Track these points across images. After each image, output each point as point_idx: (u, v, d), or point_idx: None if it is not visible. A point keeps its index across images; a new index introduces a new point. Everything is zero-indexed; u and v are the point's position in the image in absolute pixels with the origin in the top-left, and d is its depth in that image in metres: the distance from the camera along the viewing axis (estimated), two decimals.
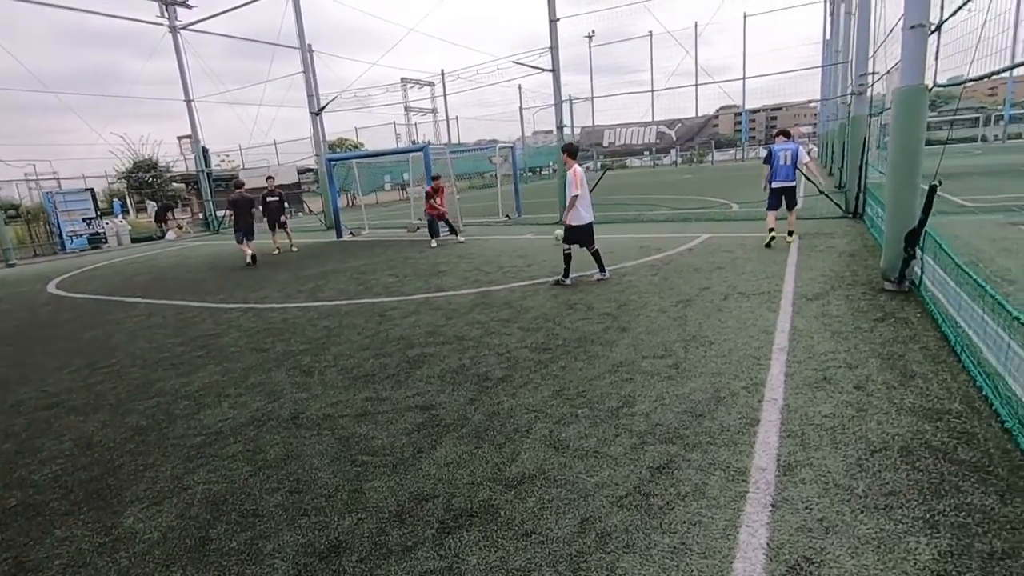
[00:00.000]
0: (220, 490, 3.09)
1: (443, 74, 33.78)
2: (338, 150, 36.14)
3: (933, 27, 5.10)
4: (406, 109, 43.54)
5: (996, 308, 3.62)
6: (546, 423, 3.54)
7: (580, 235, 7.25)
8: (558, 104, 13.55)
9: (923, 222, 4.92)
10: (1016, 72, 5.61)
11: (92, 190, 19.64)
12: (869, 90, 10.59)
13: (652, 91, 37.19)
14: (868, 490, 2.59)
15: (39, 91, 17.77)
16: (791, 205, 8.73)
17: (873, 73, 10.26)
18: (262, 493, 3.02)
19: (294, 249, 13.51)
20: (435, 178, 12.72)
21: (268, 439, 3.66)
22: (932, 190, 4.58)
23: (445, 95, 35.37)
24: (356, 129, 39.88)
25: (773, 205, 8.79)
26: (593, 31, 46.18)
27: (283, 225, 13.31)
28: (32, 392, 4.99)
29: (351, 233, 16.12)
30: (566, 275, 7.30)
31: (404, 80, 39.49)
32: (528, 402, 3.87)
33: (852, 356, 4.17)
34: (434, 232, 12.63)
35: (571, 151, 7.34)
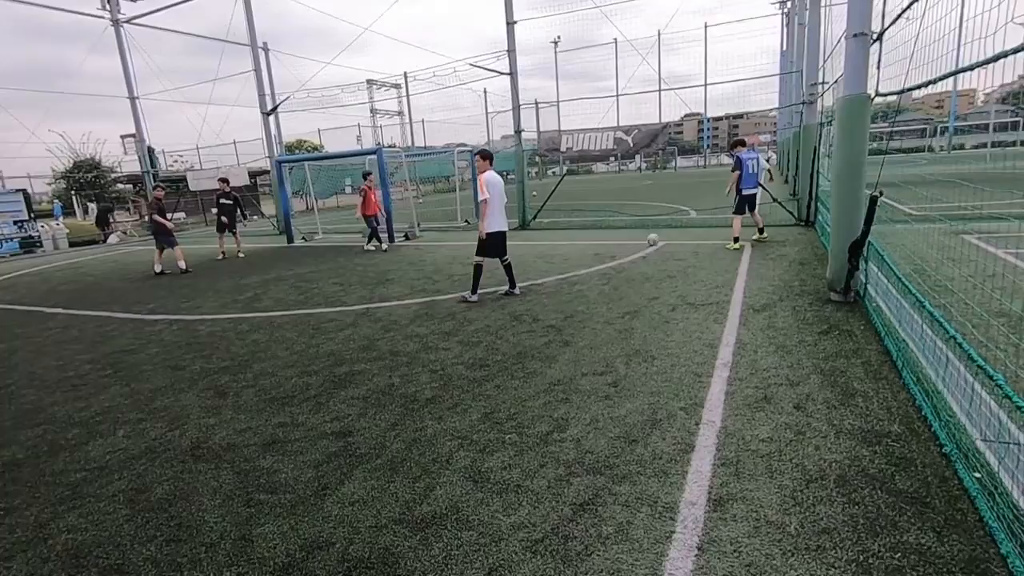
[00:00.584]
0: (86, 540, 2.69)
1: (406, 76, 33.28)
2: (297, 151, 35.21)
3: (875, 36, 5.05)
4: (372, 111, 42.82)
5: (935, 322, 3.52)
6: (469, 451, 3.26)
7: (492, 245, 6.75)
8: (516, 108, 13.33)
9: (865, 233, 4.84)
10: (962, 85, 5.63)
11: (24, 191, 18.48)
12: (819, 100, 10.72)
13: (617, 96, 37.48)
14: (801, 528, 2.39)
15: None
16: (753, 207, 9.45)
17: (823, 83, 10.38)
18: (134, 543, 2.64)
19: (240, 255, 12.90)
20: (366, 176, 12.18)
21: (158, 474, 3.26)
22: (873, 201, 4.50)
23: (408, 96, 34.88)
24: (319, 131, 39.00)
25: (741, 210, 9.29)
26: (559, 36, 46.42)
27: (232, 229, 12.71)
28: None
29: (304, 238, 15.54)
30: (474, 291, 6.81)
31: (370, 82, 38.81)
32: (454, 427, 3.58)
33: (794, 372, 4.02)
34: (375, 235, 12.21)
35: (484, 155, 6.91)
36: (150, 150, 19.91)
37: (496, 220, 6.72)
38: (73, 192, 24.71)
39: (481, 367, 4.62)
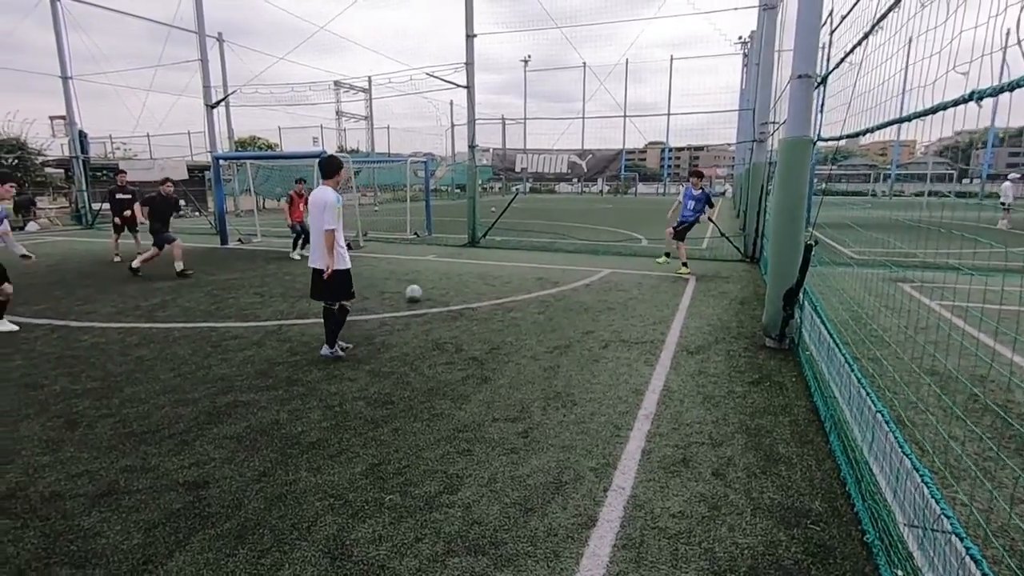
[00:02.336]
0: None
1: (370, 80, 32.65)
2: (250, 148, 33.89)
3: (819, 79, 4.92)
4: (338, 113, 41.83)
5: (862, 381, 3.28)
6: (339, 515, 2.77)
7: (345, 284, 5.11)
8: (471, 121, 13.00)
9: (800, 281, 4.65)
10: (904, 135, 5.60)
11: None
12: (770, 138, 10.81)
13: (583, 118, 37.81)
14: None
15: None
16: (681, 237, 9.89)
17: (773, 122, 10.47)
18: None
19: (135, 266, 10.19)
20: (298, 182, 11.69)
21: None
22: (808, 249, 4.31)
23: (371, 100, 34.22)
24: (280, 129, 37.74)
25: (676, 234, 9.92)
26: (529, 56, 46.79)
27: (133, 229, 11.07)
28: None
29: (240, 240, 14.65)
30: (332, 343, 5.16)
31: (337, 83, 37.91)
32: (331, 481, 3.09)
33: (719, 429, 3.71)
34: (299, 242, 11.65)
35: (328, 168, 5.01)
36: (82, 134, 18.57)
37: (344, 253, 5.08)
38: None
39: (384, 405, 4.14)
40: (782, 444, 3.51)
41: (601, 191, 58.75)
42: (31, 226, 18.83)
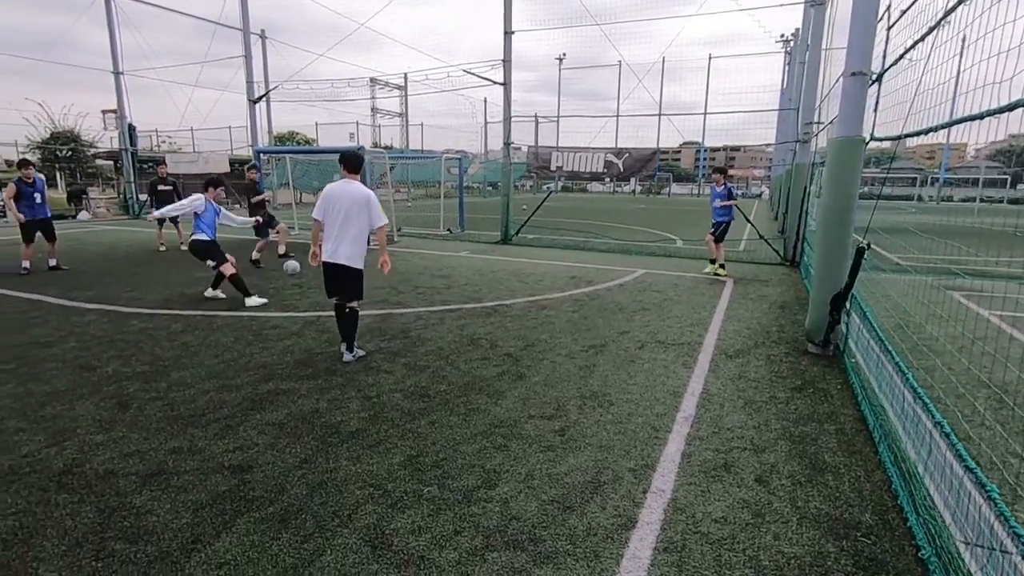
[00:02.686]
0: None
1: (406, 77, 32.99)
2: (289, 143, 34.64)
3: (874, 76, 4.75)
4: (373, 110, 42.42)
5: (919, 392, 3.15)
6: (379, 505, 2.80)
7: (325, 278, 4.95)
8: (507, 119, 12.99)
9: (849, 286, 4.49)
10: (953, 138, 5.36)
11: None
12: (813, 139, 10.50)
13: (617, 116, 37.45)
14: None
15: None
16: (720, 240, 9.57)
17: (818, 123, 10.17)
18: None
19: (183, 247, 11.39)
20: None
21: (7, 505, 2.76)
22: (860, 253, 4.15)
23: (406, 97, 34.56)
24: (316, 125, 38.48)
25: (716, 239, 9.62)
26: (564, 54, 46.52)
27: (175, 219, 11.65)
28: None
29: (277, 232, 14.97)
30: (352, 346, 4.98)
31: (373, 80, 38.44)
32: (370, 471, 3.12)
33: (761, 435, 3.62)
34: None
35: (357, 163, 4.87)
36: (131, 127, 19.28)
37: (327, 246, 4.82)
38: (56, 167, 23.93)
39: (421, 397, 4.17)
40: (828, 453, 3.40)
41: (633, 191, 58.05)
42: (83, 215, 19.65)
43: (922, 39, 3.65)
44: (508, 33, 12.57)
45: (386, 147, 39.77)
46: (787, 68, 31.14)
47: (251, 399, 4.09)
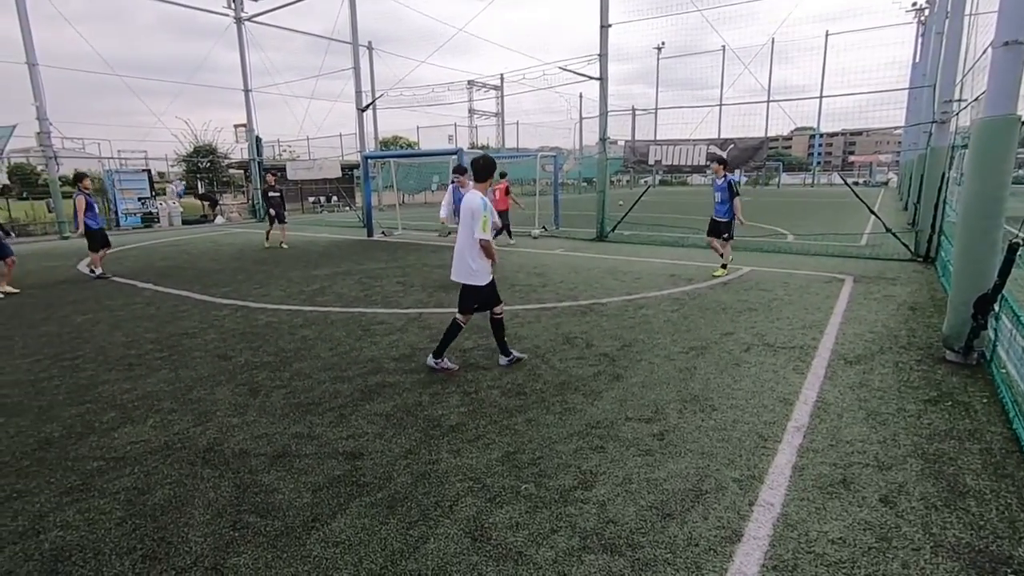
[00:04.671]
0: (73, 541, 2.61)
1: (502, 78, 33.53)
2: (392, 147, 36.56)
3: None
4: (470, 111, 43.70)
5: None
6: (478, 498, 2.89)
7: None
8: (603, 114, 12.80)
9: (999, 287, 3.94)
10: None
11: (149, 171, 20.38)
12: (954, 119, 9.31)
13: (720, 105, 35.57)
14: None
15: (106, 73, 18.52)
16: (721, 237, 8.88)
17: (959, 100, 9.00)
18: (114, 553, 2.52)
19: (284, 246, 13.45)
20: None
21: (164, 475, 3.18)
22: (1013, 249, 3.63)
23: (502, 97, 35.13)
24: (417, 128, 40.34)
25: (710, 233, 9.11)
26: (663, 43, 44.92)
27: (282, 220, 13.45)
28: None
29: (383, 232, 15.90)
30: (506, 349, 4.88)
31: (471, 83, 39.58)
32: (470, 464, 3.24)
33: (887, 451, 3.29)
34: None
35: (484, 171, 4.52)
36: (258, 139, 21.32)
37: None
38: (197, 176, 27.07)
39: (518, 395, 4.24)
40: (970, 475, 3.02)
41: (738, 182, 54.85)
42: (218, 220, 22.06)
43: None
44: (605, 27, 12.36)
45: (483, 146, 40.74)
46: (920, 40, 27.88)
47: (361, 390, 4.38)
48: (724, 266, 8.89)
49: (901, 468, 3.10)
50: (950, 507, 2.74)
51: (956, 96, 9.17)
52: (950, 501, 2.79)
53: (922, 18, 27.74)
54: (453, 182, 9.67)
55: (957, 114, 9.20)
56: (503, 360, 4.88)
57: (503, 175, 13.25)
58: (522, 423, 3.76)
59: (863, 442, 3.41)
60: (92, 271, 9.97)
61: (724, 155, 9.61)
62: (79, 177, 9.82)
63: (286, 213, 13.89)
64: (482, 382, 4.51)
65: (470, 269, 4.52)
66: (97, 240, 9.81)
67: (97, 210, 10.04)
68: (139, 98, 31.35)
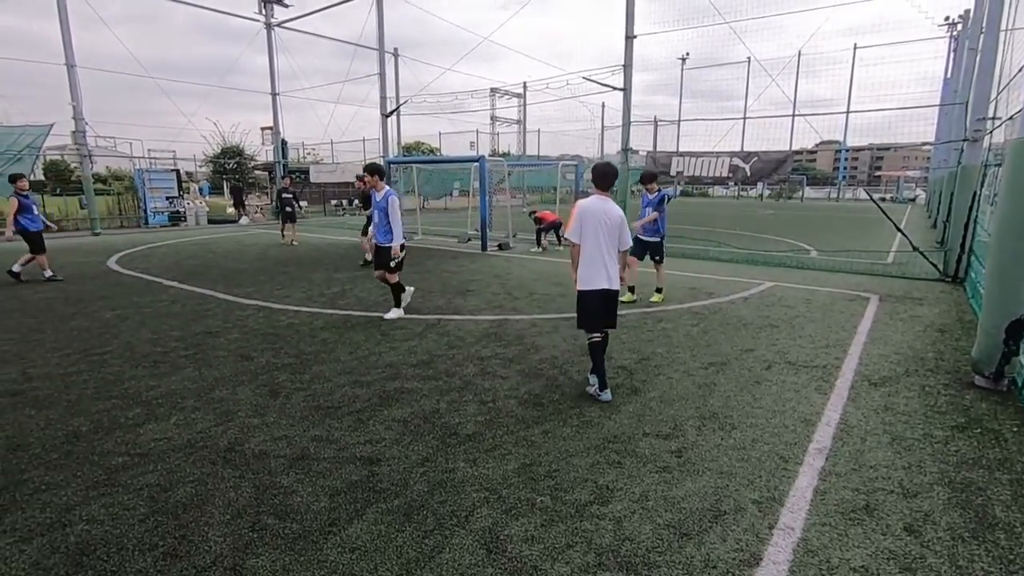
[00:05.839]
0: (96, 536, 2.67)
1: (525, 86, 33.68)
2: (415, 152, 36.89)
3: None
4: (492, 119, 43.95)
5: None
6: (494, 509, 2.89)
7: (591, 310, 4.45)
8: (626, 124, 12.78)
9: None
10: None
11: (177, 171, 20.86)
12: (987, 137, 9.11)
13: (744, 118, 35.25)
14: None
15: (139, 75, 19.02)
16: (653, 259, 7.92)
17: (993, 118, 8.80)
18: (137, 549, 2.57)
19: (295, 244, 14.74)
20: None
21: (186, 473, 3.24)
22: None
23: (525, 105, 35.26)
24: (440, 134, 40.67)
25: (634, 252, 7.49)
26: (687, 53, 44.73)
27: (293, 220, 14.95)
28: (11, 374, 4.91)
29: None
30: (604, 381, 4.42)
31: (494, 90, 39.82)
32: (485, 475, 3.24)
33: (912, 477, 3.22)
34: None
35: (610, 178, 4.43)
36: (283, 142, 21.70)
37: (586, 272, 4.34)
38: (223, 177, 27.67)
39: (535, 405, 4.24)
40: (1000, 506, 2.93)
41: (760, 195, 54.24)
42: (243, 220, 22.46)
43: None
44: (630, 38, 12.37)
45: (504, 154, 40.93)
46: (952, 55, 27.38)
47: (379, 395, 4.42)
48: (659, 290, 7.94)
49: (927, 496, 3.03)
50: (978, 539, 2.66)
51: (990, 114, 8.97)
52: (978, 533, 2.71)
53: (954, 33, 27.24)
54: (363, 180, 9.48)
55: (991, 132, 9.00)
56: (607, 396, 4.36)
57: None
58: (539, 434, 3.76)
59: (887, 467, 3.33)
60: (43, 274, 9.29)
61: (655, 171, 8.34)
62: (14, 178, 9.15)
63: (297, 213, 15.57)
64: (499, 391, 4.51)
65: (616, 276, 4.37)
66: (36, 242, 9.16)
67: (36, 211, 9.35)
68: (170, 99, 32.07)
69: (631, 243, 4.52)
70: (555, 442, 3.65)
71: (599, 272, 4.31)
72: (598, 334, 4.41)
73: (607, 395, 4.37)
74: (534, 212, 14.28)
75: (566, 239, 4.47)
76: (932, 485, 3.14)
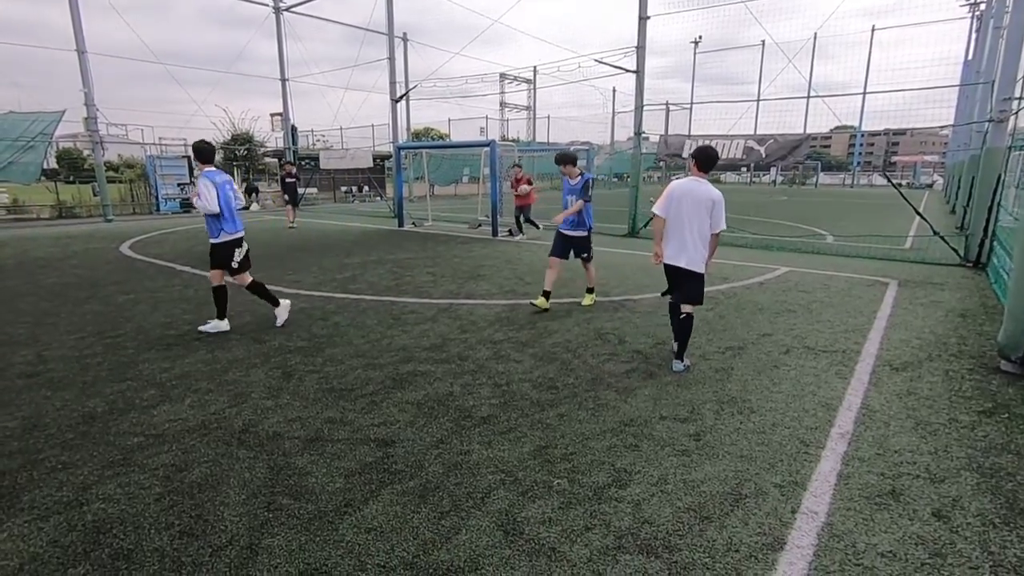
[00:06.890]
0: (112, 515, 2.67)
1: (535, 71, 33.31)
2: (424, 139, 36.76)
3: None
4: (502, 104, 43.60)
5: None
6: (510, 491, 2.85)
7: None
8: (638, 108, 12.57)
9: None
10: None
11: (188, 157, 20.87)
12: (1012, 118, 8.84)
13: (758, 101, 34.64)
14: None
15: (149, 61, 19.00)
16: (580, 257, 6.64)
17: (1020, 98, 8.53)
18: (152, 528, 2.56)
19: (292, 226, 15.33)
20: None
21: (201, 454, 3.23)
22: None
23: (534, 90, 34.91)
24: (449, 120, 40.44)
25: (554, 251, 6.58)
26: (700, 36, 43.97)
27: (295, 203, 15.75)
28: (27, 356, 4.93)
29: (413, 223, 15.98)
30: (682, 354, 4.63)
31: (503, 75, 39.44)
32: (501, 457, 3.20)
33: (939, 462, 3.14)
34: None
35: (711, 161, 4.64)
36: (293, 128, 21.64)
37: (668, 246, 4.56)
38: (234, 164, 27.70)
39: (549, 389, 4.19)
40: None
41: (774, 181, 53.53)
42: (254, 207, 22.51)
43: None
44: (643, 19, 12.12)
45: (513, 140, 40.62)
46: (975, 36, 26.69)
47: (393, 378, 4.39)
48: (591, 290, 6.79)
49: (955, 481, 2.95)
50: (1009, 525, 2.59)
51: (1017, 93, 8.70)
52: (1009, 519, 2.63)
53: (978, 12, 26.53)
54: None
55: (1016, 112, 8.74)
56: (679, 365, 4.56)
57: (518, 166, 13.72)
58: (554, 417, 3.71)
59: (912, 452, 3.25)
60: None
61: (574, 153, 6.66)
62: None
63: (300, 198, 16.61)
64: (513, 374, 4.46)
65: (702, 257, 4.54)
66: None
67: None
68: (181, 86, 32.19)
69: (724, 225, 4.57)
70: (571, 425, 3.60)
71: (675, 248, 4.53)
72: (680, 305, 4.62)
73: (677, 365, 4.57)
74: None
75: (652, 213, 4.62)
76: (960, 470, 3.06)
